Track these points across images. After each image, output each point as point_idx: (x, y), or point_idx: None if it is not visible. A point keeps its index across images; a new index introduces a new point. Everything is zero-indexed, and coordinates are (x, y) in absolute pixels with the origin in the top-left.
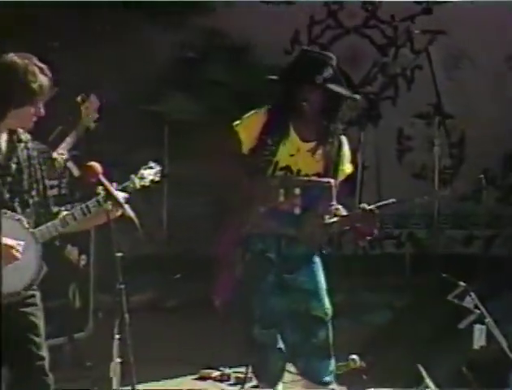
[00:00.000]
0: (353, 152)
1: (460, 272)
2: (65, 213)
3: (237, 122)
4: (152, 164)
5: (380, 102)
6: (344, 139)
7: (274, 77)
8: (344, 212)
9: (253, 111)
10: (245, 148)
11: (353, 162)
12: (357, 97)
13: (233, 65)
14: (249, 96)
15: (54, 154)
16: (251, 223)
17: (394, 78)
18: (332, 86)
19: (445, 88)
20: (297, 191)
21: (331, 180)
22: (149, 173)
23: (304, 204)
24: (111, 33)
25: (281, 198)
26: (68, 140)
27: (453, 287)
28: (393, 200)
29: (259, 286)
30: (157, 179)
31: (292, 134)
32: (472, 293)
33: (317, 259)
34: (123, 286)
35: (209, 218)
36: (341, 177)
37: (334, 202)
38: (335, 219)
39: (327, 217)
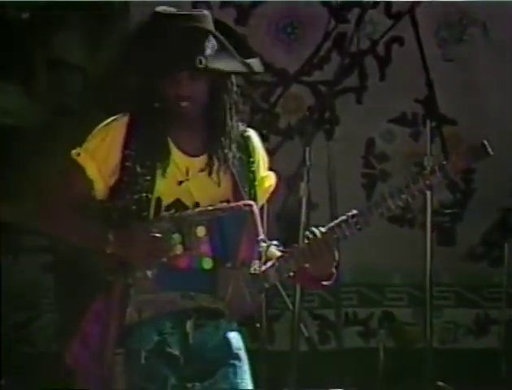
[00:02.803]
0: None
1: (467, 378)
2: None
3: (78, 150)
4: None
5: (337, 98)
6: (251, 133)
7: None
8: (278, 250)
9: (102, 125)
10: (100, 190)
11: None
12: (259, 68)
13: (93, 36)
14: (119, 87)
15: None
16: (134, 304)
17: (359, 58)
18: (218, 64)
19: (442, 75)
20: (201, 231)
21: (252, 203)
22: None
23: (215, 250)
24: None
25: (178, 249)
26: None
27: None
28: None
29: None
30: None
31: (174, 149)
32: None
33: (243, 354)
34: None
35: (51, 292)
36: (264, 196)
37: (262, 236)
38: (271, 263)
39: (255, 263)
